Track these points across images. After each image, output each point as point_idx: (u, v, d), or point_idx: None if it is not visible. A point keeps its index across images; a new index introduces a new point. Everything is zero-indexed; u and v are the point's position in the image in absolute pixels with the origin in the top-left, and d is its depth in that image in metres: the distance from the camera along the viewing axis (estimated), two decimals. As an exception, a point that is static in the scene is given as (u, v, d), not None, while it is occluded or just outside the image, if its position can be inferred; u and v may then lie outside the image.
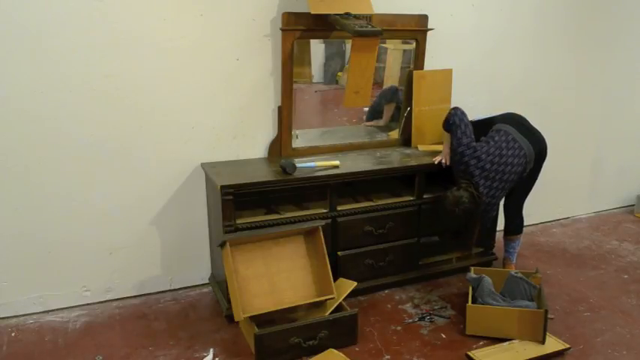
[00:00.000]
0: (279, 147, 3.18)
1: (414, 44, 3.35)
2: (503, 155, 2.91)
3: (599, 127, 4.33)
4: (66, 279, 2.93)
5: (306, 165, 2.95)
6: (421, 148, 3.41)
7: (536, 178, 3.20)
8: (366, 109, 3.53)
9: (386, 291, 3.19)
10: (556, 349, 2.62)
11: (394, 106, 3.55)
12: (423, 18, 3.29)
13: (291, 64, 3.03)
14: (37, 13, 2.57)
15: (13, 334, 2.73)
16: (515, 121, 3.15)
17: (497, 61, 3.71)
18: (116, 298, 3.06)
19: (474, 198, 2.85)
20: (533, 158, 3.03)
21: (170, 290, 3.17)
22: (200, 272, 3.23)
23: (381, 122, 3.57)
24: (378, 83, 3.46)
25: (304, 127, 3.29)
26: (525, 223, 3.40)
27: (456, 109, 3.02)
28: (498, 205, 3.24)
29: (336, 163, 3.02)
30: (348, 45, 3.19)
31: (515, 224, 3.34)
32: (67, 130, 2.75)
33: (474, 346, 2.66)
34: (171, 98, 2.92)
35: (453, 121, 2.96)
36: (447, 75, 3.48)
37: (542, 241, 4.00)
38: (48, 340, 2.68)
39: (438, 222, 3.19)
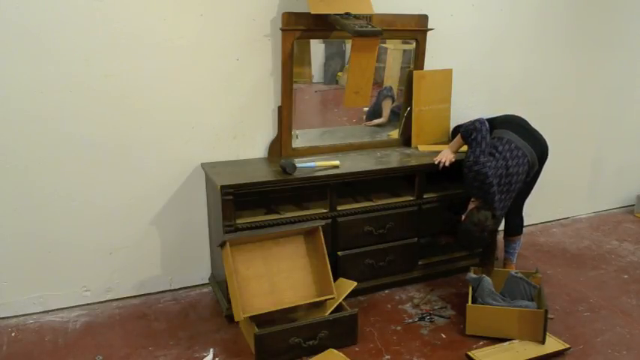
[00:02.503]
0: (279, 147, 3.18)
1: (414, 44, 3.35)
2: (509, 167, 2.89)
3: (599, 127, 4.33)
4: (66, 279, 2.93)
5: (306, 165, 2.95)
6: (421, 148, 3.40)
7: (536, 180, 3.20)
8: (366, 109, 3.53)
9: (386, 291, 3.19)
10: (556, 349, 2.62)
11: (391, 101, 3.55)
12: (423, 18, 3.29)
13: (291, 64, 3.02)
14: (37, 14, 2.57)
15: (13, 334, 2.73)
16: (516, 123, 3.13)
17: (497, 61, 3.71)
18: (116, 298, 3.06)
19: (495, 216, 2.85)
20: (536, 162, 3.02)
21: (170, 290, 3.17)
22: (200, 272, 3.23)
23: (382, 120, 3.57)
24: (378, 83, 3.46)
25: (304, 127, 3.29)
26: (525, 223, 3.41)
27: (481, 123, 2.90)
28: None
29: (336, 163, 3.02)
30: (348, 45, 3.19)
31: (515, 224, 3.34)
32: (67, 130, 2.75)
33: (474, 346, 2.66)
34: (172, 98, 2.92)
35: (475, 137, 2.87)
36: (447, 75, 3.48)
37: (542, 241, 4.00)
38: (48, 340, 2.68)
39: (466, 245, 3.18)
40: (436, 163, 3.08)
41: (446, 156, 3.07)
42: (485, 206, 2.85)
